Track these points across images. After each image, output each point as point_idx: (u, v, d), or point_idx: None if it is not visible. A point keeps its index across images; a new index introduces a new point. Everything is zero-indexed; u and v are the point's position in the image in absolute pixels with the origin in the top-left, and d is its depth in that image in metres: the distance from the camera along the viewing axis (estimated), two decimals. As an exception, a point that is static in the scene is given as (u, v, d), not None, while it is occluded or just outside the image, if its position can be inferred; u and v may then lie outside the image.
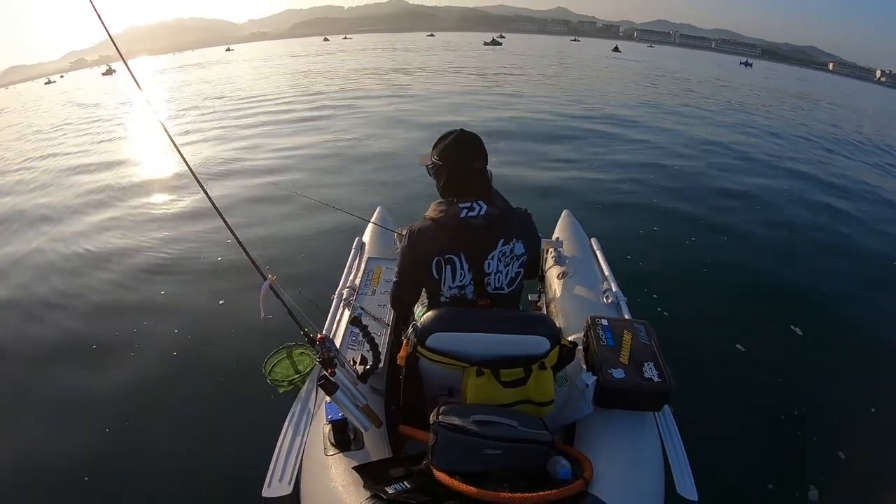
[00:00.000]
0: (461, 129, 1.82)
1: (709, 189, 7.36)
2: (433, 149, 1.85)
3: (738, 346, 3.60)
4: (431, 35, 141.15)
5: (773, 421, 2.98)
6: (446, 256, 1.73)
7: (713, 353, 3.51)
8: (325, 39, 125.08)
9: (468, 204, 1.71)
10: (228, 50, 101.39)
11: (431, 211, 1.79)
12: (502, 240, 1.74)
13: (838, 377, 3.39)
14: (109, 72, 55.76)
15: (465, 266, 1.73)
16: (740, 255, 5.18)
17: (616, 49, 69.75)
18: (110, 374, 3.36)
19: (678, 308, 3.99)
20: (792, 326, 3.88)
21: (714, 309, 4.12)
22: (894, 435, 2.94)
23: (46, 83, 55.15)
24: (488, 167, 1.84)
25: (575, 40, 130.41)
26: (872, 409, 3.10)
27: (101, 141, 12.34)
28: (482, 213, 1.70)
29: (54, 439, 2.88)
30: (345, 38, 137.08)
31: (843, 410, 3.06)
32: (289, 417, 1.90)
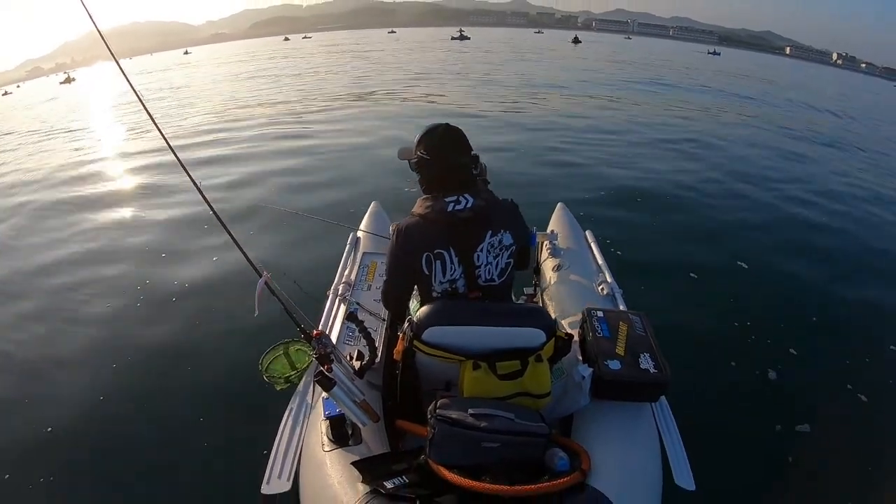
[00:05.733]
0: (447, 124, 1.82)
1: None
2: (417, 144, 1.83)
3: (692, 274, 4.48)
4: (392, 31, 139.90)
5: (732, 329, 3.74)
6: (436, 252, 1.73)
7: (671, 277, 4.40)
8: (286, 39, 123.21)
9: (454, 198, 1.72)
10: (186, 53, 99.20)
11: (418, 207, 1.79)
12: (490, 231, 1.75)
13: (783, 295, 4.32)
14: (68, 80, 54.01)
15: (455, 260, 1.74)
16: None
17: (576, 40, 66.42)
18: (106, 370, 3.33)
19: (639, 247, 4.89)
20: (738, 262, 4.78)
21: (669, 245, 5.08)
22: (833, 335, 3.74)
23: (4, 94, 53.01)
24: (481, 160, 1.84)
25: (538, 32, 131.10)
26: (814, 318, 3.95)
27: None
28: (469, 205, 1.71)
29: (36, 416, 2.94)
30: (304, 37, 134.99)
31: (791, 320, 3.90)
32: (286, 414, 1.90)
